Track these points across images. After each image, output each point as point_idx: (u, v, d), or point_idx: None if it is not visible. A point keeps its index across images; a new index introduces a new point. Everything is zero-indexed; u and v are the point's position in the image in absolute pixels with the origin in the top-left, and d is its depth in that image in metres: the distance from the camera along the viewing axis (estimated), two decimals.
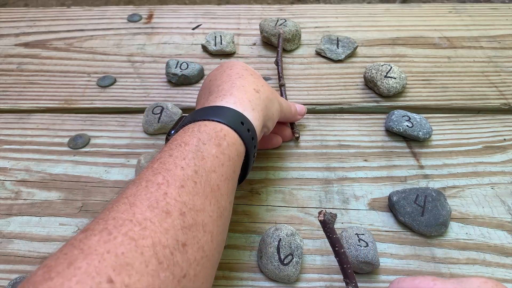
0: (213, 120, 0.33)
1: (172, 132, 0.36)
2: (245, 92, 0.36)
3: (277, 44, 0.57)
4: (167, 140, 0.36)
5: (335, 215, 0.31)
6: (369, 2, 1.83)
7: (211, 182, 0.29)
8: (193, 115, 0.34)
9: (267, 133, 0.40)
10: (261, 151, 0.47)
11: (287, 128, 0.48)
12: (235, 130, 0.33)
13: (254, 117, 0.35)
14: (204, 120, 0.33)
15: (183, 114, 0.39)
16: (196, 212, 0.27)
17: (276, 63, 0.55)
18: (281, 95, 0.51)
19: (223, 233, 0.30)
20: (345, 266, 0.31)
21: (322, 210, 0.31)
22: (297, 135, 0.48)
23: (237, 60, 0.44)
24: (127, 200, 0.26)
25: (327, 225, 0.31)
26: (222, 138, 0.32)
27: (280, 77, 0.54)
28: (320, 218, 0.31)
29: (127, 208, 0.25)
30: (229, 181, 0.31)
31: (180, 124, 0.35)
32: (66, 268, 0.21)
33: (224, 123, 0.33)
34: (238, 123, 0.33)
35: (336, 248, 0.31)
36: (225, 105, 0.34)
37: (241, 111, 0.34)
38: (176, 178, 0.27)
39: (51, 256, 0.23)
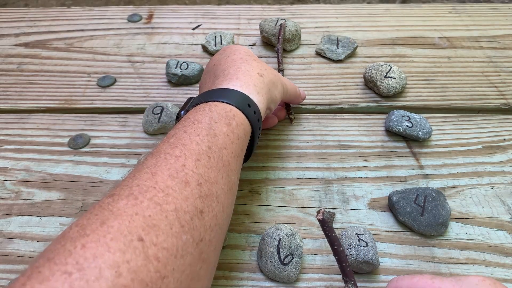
0: (222, 101, 0.35)
1: (182, 112, 0.37)
2: (250, 76, 0.38)
3: (278, 33, 0.58)
4: (177, 119, 0.38)
5: (334, 213, 0.31)
6: (369, 2, 1.83)
7: (222, 158, 0.31)
8: (202, 96, 0.36)
9: (269, 114, 0.42)
10: (262, 151, 0.47)
11: (282, 108, 0.50)
12: (242, 112, 0.35)
13: (259, 100, 0.37)
14: (214, 101, 0.35)
15: (191, 96, 0.40)
16: (211, 184, 0.29)
17: (277, 50, 0.57)
18: None
19: (231, 205, 0.32)
20: (343, 264, 0.31)
21: (320, 209, 0.31)
22: (292, 117, 0.50)
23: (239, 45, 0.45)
24: (148, 170, 0.28)
25: (325, 223, 0.31)
26: (231, 118, 0.34)
27: (279, 63, 0.55)
28: (318, 217, 0.31)
29: (149, 177, 0.27)
30: (237, 158, 0.33)
31: (189, 105, 0.37)
32: (100, 227, 0.23)
33: (232, 105, 0.35)
34: (245, 105, 0.35)
35: (335, 247, 0.31)
36: (233, 88, 0.36)
37: (247, 94, 0.36)
38: (192, 152, 0.29)
39: (81, 217, 0.24)
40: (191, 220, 0.26)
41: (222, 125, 0.33)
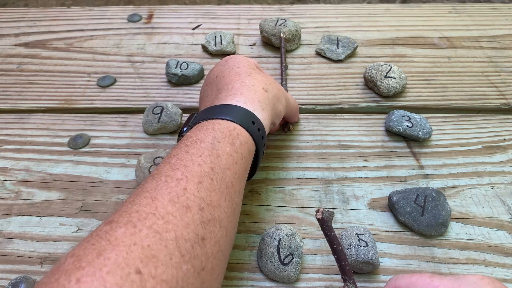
0: (226, 119, 0.33)
1: (185, 129, 0.36)
2: (255, 92, 0.37)
3: (280, 47, 0.57)
4: (179, 137, 0.37)
5: (333, 212, 0.31)
6: (369, 2, 1.83)
7: (226, 180, 0.30)
8: (205, 112, 0.35)
9: (272, 128, 0.41)
10: None
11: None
12: (247, 130, 0.33)
13: (263, 117, 0.36)
14: (217, 118, 0.33)
15: (193, 112, 0.40)
16: (213, 208, 0.28)
17: (281, 67, 0.56)
18: None
19: (235, 228, 0.31)
20: (343, 263, 0.31)
21: (320, 208, 0.31)
22: (287, 129, 0.49)
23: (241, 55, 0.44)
24: (148, 194, 0.26)
25: (325, 223, 0.31)
26: (235, 137, 0.32)
27: (282, 78, 0.55)
28: (318, 216, 0.31)
29: (149, 202, 0.26)
30: (241, 179, 0.32)
31: (192, 122, 0.36)
32: (96, 258, 0.22)
33: (236, 122, 0.33)
34: (250, 122, 0.34)
35: (334, 246, 0.31)
36: (237, 104, 0.35)
37: (251, 111, 0.35)
38: (194, 174, 0.28)
39: (78, 245, 0.23)
40: (192, 249, 0.25)
41: (225, 145, 0.31)
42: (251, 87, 0.37)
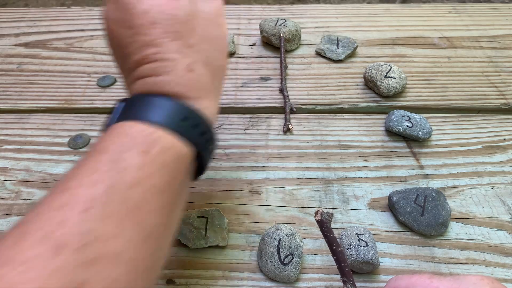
0: (141, 121, 0.26)
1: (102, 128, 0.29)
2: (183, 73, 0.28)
3: (280, 47, 0.57)
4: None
5: (332, 214, 0.31)
6: (369, 2, 1.83)
7: (131, 200, 0.23)
8: (122, 111, 0.28)
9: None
10: (262, 151, 0.47)
11: None
12: (175, 130, 0.26)
13: (204, 105, 0.28)
14: (132, 120, 0.26)
15: (117, 101, 0.30)
16: (105, 241, 0.21)
17: (280, 67, 0.56)
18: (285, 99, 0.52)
19: (154, 254, 0.25)
20: (342, 264, 0.32)
21: (318, 210, 0.31)
22: (285, 129, 0.49)
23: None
24: (17, 230, 0.21)
25: (324, 224, 0.31)
26: (151, 144, 0.25)
27: (282, 78, 0.55)
28: (317, 218, 0.31)
29: (13, 242, 0.20)
30: (163, 193, 0.25)
31: (108, 122, 0.28)
32: None
33: (158, 124, 0.26)
34: (178, 121, 0.26)
35: (334, 247, 0.31)
36: (158, 98, 0.27)
37: (182, 103, 0.27)
38: (79, 200, 0.22)
39: None
40: None
41: (133, 155, 0.24)
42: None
